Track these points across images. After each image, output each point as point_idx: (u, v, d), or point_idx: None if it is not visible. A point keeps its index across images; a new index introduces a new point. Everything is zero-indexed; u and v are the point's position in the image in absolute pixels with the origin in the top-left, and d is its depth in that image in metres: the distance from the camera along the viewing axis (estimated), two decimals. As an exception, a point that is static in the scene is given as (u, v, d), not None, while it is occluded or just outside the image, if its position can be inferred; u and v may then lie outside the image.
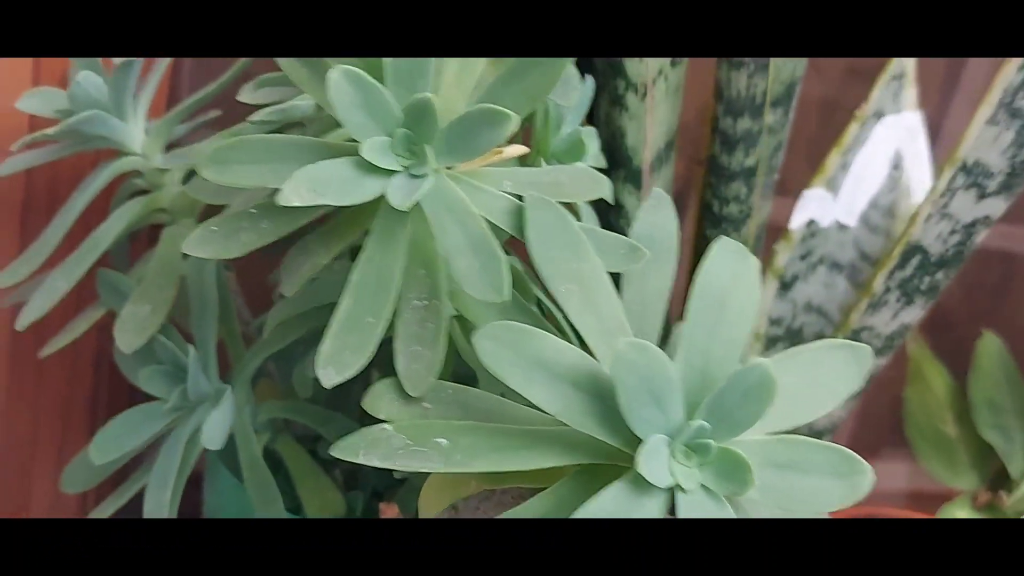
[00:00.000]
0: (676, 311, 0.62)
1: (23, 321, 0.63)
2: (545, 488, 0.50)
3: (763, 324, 0.77)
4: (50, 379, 0.80)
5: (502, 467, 0.47)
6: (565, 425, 0.47)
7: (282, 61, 0.51)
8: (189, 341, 0.63)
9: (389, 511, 0.67)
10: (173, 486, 0.59)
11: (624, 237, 0.53)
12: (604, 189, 0.55)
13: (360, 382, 0.65)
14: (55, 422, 0.82)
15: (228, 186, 0.52)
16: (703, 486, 0.46)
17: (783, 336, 0.78)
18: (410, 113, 0.49)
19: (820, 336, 0.79)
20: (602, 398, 0.47)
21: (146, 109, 0.68)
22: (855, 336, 0.72)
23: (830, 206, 0.78)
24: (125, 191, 0.71)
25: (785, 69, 0.72)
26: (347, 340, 0.49)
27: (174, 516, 0.59)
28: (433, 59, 0.50)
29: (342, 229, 0.53)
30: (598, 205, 0.64)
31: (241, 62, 0.68)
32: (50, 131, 0.62)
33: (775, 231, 0.79)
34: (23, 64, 0.71)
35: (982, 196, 0.68)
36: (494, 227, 0.50)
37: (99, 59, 0.67)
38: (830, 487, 0.47)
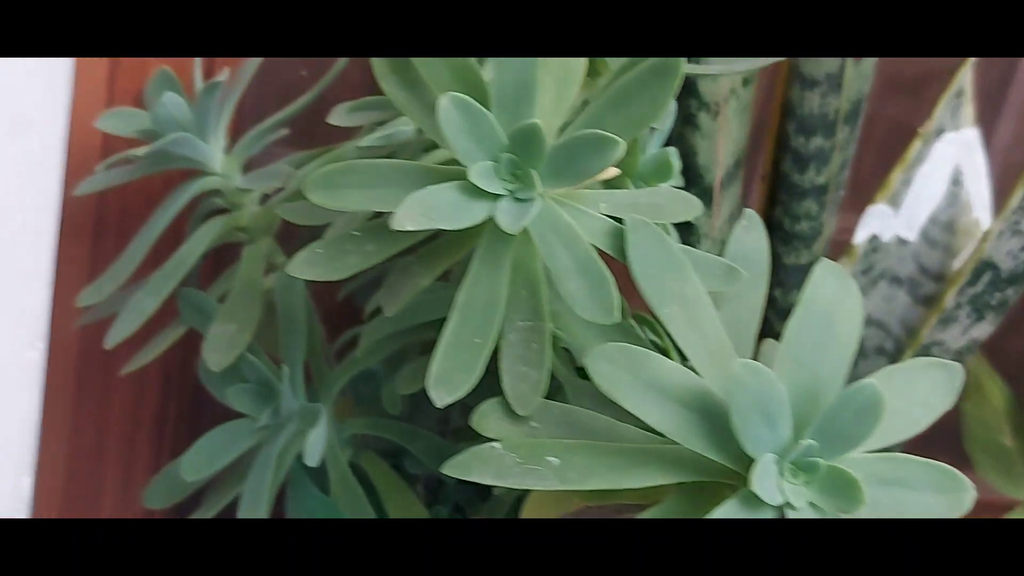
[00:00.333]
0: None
1: (112, 339, 0.64)
2: (644, 505, 0.51)
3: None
4: (117, 394, 0.80)
5: (615, 485, 0.48)
6: (672, 443, 0.48)
7: (385, 86, 0.52)
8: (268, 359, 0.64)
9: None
10: (268, 500, 0.60)
11: (722, 259, 0.53)
12: (697, 210, 0.55)
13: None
14: (122, 437, 0.82)
15: (333, 209, 0.53)
16: (812, 504, 0.47)
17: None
18: (516, 138, 0.50)
19: (880, 350, 0.79)
20: (711, 417, 0.48)
21: (225, 129, 0.69)
22: (925, 351, 0.73)
23: (891, 221, 0.78)
24: (202, 210, 0.71)
25: (853, 87, 0.72)
26: (456, 360, 0.50)
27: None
28: (538, 84, 0.50)
29: (443, 251, 0.53)
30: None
31: (316, 88, 0.69)
32: (140, 151, 0.63)
33: (833, 245, 0.80)
34: (98, 83, 0.72)
35: (1054, 214, 0.69)
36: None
37: (178, 80, 0.68)
38: (934, 503, 0.48)
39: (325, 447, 0.63)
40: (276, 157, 0.74)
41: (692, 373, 0.49)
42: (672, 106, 0.62)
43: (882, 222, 0.78)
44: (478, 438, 0.64)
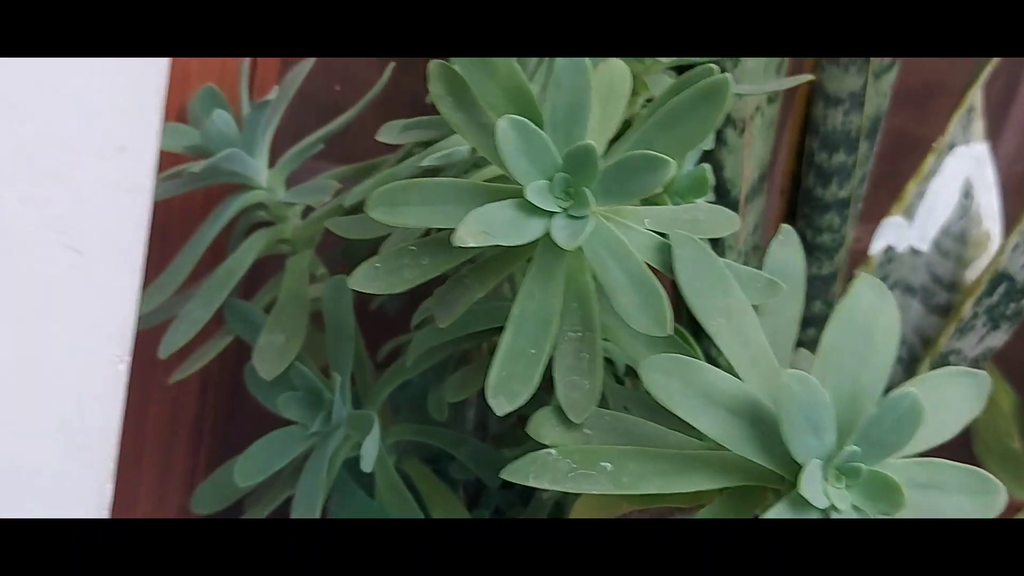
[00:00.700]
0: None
1: (167, 349, 0.66)
2: (688, 508, 0.53)
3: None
4: (155, 403, 0.82)
5: (667, 489, 0.50)
6: (719, 449, 0.51)
7: (441, 107, 0.54)
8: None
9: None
10: (321, 503, 0.62)
11: (762, 272, 0.56)
12: (735, 225, 0.57)
13: (473, 406, 0.68)
14: (159, 444, 0.84)
15: (391, 225, 0.55)
16: (855, 507, 0.49)
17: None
18: (570, 158, 0.52)
19: (895, 357, 0.82)
20: (758, 424, 0.50)
21: (269, 144, 0.71)
22: (943, 358, 0.75)
23: (905, 233, 0.81)
24: (243, 224, 0.74)
25: (872, 104, 0.75)
26: (513, 370, 0.52)
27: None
28: (590, 106, 0.53)
29: (496, 266, 0.55)
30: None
31: (359, 105, 0.71)
32: (196, 167, 0.65)
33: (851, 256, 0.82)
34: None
35: (1069, 227, 0.71)
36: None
37: (223, 96, 0.70)
38: (967, 505, 0.51)
39: (373, 453, 0.65)
40: (311, 171, 0.76)
41: (740, 382, 0.51)
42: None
43: (897, 233, 0.80)
44: (517, 444, 0.67)
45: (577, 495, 0.57)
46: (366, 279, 0.54)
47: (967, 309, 0.74)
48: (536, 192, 0.52)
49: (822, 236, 0.75)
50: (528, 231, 0.52)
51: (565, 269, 0.54)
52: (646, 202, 0.61)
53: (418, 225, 0.54)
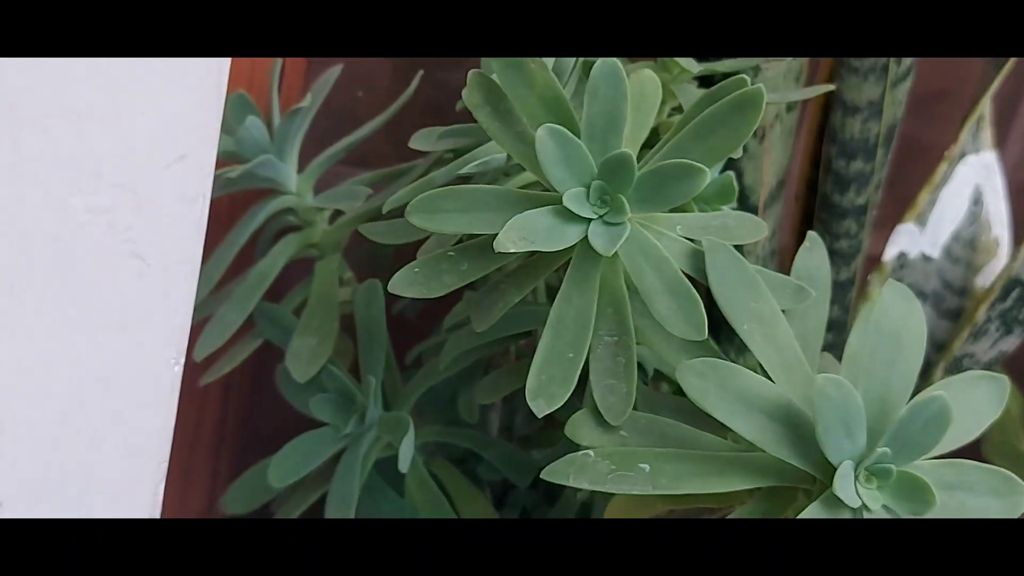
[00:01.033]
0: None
1: (202, 352, 0.67)
2: (722, 509, 0.55)
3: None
4: (182, 405, 0.82)
5: (704, 490, 0.51)
6: (754, 450, 0.52)
7: (479, 116, 0.55)
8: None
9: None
10: (355, 505, 0.63)
11: (791, 278, 0.57)
12: (764, 231, 0.59)
13: (497, 409, 0.69)
14: (183, 446, 0.85)
15: (430, 231, 0.56)
16: (885, 507, 0.50)
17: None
18: (607, 166, 0.53)
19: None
20: (793, 426, 0.51)
21: (298, 150, 0.72)
22: (957, 362, 0.77)
23: (918, 239, 0.82)
24: (272, 228, 0.75)
25: (889, 112, 0.76)
26: (552, 373, 0.53)
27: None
28: (626, 115, 0.54)
29: (532, 271, 0.56)
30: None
31: (388, 112, 0.73)
32: (233, 174, 0.66)
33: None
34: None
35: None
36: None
37: (254, 103, 0.71)
38: (993, 505, 0.52)
39: (403, 453, 0.66)
40: (334, 175, 0.77)
41: (774, 385, 0.52)
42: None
43: (909, 240, 0.82)
44: (544, 445, 0.68)
45: (607, 496, 0.58)
46: (406, 283, 0.55)
47: (981, 314, 0.75)
48: (573, 199, 0.53)
49: (840, 242, 0.76)
50: (566, 237, 0.53)
51: (601, 275, 0.55)
52: (675, 210, 0.62)
53: (457, 231, 0.55)
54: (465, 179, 0.60)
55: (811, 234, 0.60)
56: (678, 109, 0.67)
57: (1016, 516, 0.52)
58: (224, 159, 0.69)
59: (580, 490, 0.69)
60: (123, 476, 0.48)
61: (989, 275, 0.82)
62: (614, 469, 0.52)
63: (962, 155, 0.83)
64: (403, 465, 0.62)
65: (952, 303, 0.83)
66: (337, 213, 0.74)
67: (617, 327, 0.55)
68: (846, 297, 0.78)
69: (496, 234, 0.51)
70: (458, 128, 0.62)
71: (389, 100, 0.75)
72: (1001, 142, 0.97)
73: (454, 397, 0.70)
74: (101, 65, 0.42)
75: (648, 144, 0.58)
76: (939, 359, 0.78)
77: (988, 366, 0.77)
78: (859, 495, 0.50)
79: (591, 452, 0.53)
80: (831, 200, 0.75)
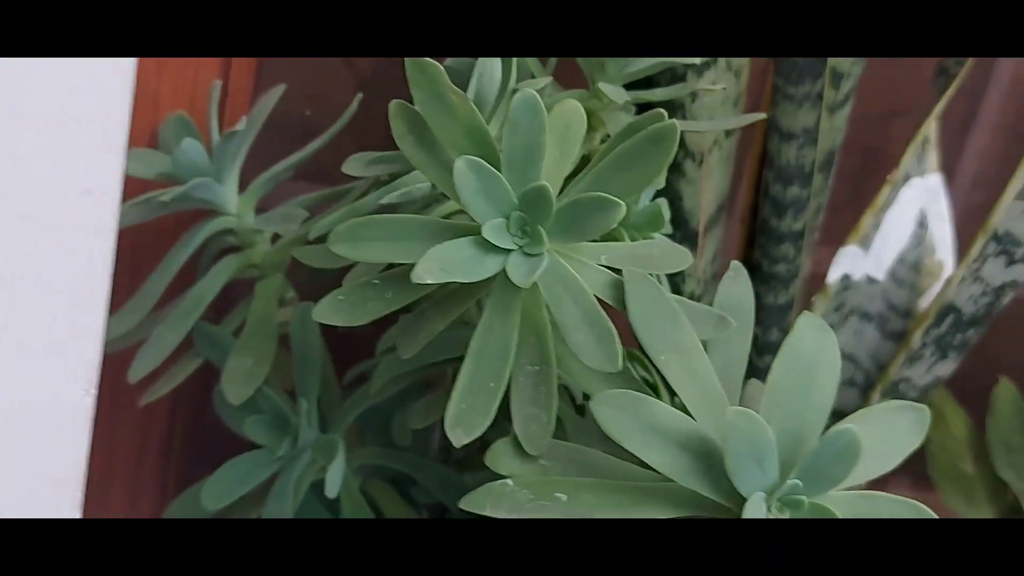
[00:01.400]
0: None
1: (135, 374, 0.67)
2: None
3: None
4: (126, 423, 0.84)
5: (621, 517, 0.52)
6: (670, 481, 0.53)
7: (403, 146, 0.56)
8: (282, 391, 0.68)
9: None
10: (285, 528, 0.63)
11: (712, 308, 0.58)
12: (687, 261, 0.59)
13: (438, 430, 0.70)
14: (129, 463, 0.85)
15: (354, 259, 0.57)
16: (797, 537, 0.51)
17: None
18: (526, 198, 0.53)
19: (851, 382, 0.84)
20: (705, 458, 0.52)
21: (239, 171, 0.73)
22: (894, 387, 0.78)
23: (862, 262, 0.83)
24: (212, 248, 0.75)
25: (827, 139, 0.77)
26: (473, 402, 0.54)
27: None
28: (545, 148, 0.54)
29: (457, 299, 0.57)
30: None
31: (326, 135, 0.73)
32: (165, 197, 0.67)
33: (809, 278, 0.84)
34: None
35: (1011, 262, 0.73)
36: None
37: (193, 124, 0.71)
38: (905, 536, 0.52)
39: (337, 475, 0.67)
40: (288, 192, 0.78)
41: (688, 417, 0.53)
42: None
43: (853, 262, 0.82)
44: (480, 468, 0.68)
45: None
46: (331, 311, 0.56)
47: (916, 339, 0.76)
48: (492, 230, 0.53)
49: (778, 266, 0.77)
50: (484, 268, 0.53)
51: (522, 304, 0.55)
52: (606, 237, 0.62)
53: (380, 260, 0.56)
54: (394, 206, 0.61)
55: (734, 264, 0.60)
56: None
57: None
58: (161, 181, 0.69)
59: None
60: (38, 506, 0.49)
61: (932, 298, 0.82)
62: (532, 498, 0.53)
63: (906, 178, 0.83)
64: (330, 490, 0.62)
65: (897, 325, 0.84)
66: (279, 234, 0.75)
67: (539, 357, 0.56)
68: (785, 320, 0.78)
69: (415, 264, 0.52)
70: (388, 155, 0.63)
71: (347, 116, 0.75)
72: (953, 162, 0.98)
73: (393, 418, 0.71)
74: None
75: (576, 173, 0.59)
76: (876, 381, 0.79)
77: (925, 390, 0.78)
78: (771, 526, 0.50)
79: (510, 481, 0.54)
80: (769, 224, 0.76)
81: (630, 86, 0.67)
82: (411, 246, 0.54)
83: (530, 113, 0.53)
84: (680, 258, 0.59)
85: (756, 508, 0.50)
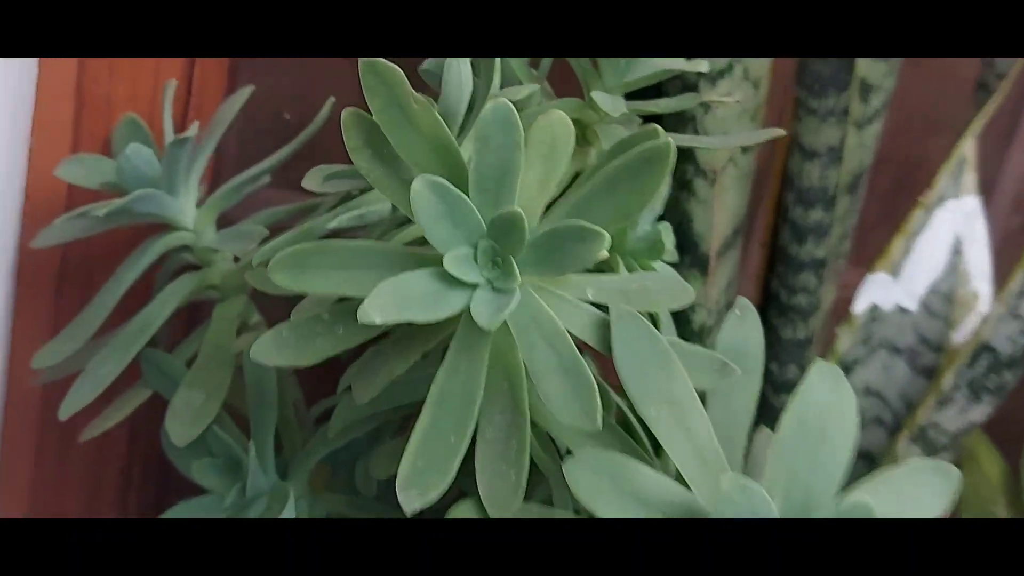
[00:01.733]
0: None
1: (67, 410, 0.60)
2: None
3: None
4: (78, 455, 0.77)
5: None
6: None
7: (358, 161, 0.49)
8: (241, 425, 0.61)
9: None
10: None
11: (714, 353, 0.51)
12: (690, 296, 0.52)
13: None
14: (82, 501, 0.79)
15: (297, 291, 0.50)
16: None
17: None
18: (496, 225, 0.46)
19: (878, 420, 0.77)
20: (697, 532, 0.45)
21: (197, 181, 0.66)
22: (922, 432, 0.70)
23: (892, 290, 0.76)
24: (170, 266, 0.68)
25: (854, 158, 0.70)
26: (429, 459, 0.47)
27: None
28: (521, 167, 0.47)
29: (420, 336, 0.50)
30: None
31: (299, 139, 0.66)
32: (101, 212, 0.60)
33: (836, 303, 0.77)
34: (62, 125, 0.69)
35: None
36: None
37: (146, 127, 0.65)
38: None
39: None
40: (261, 202, 0.71)
41: (677, 485, 0.46)
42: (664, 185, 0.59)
43: (882, 291, 0.75)
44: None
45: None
46: (272, 349, 0.49)
47: (948, 380, 0.69)
48: (456, 261, 0.46)
49: (797, 297, 0.70)
50: (445, 306, 0.46)
51: (492, 345, 0.48)
52: (598, 267, 0.55)
53: (326, 293, 0.49)
54: (348, 230, 0.54)
55: (741, 300, 0.53)
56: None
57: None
58: (107, 191, 0.62)
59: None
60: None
61: (966, 331, 0.75)
62: None
63: (941, 199, 0.76)
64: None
65: (928, 359, 0.77)
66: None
67: (510, 405, 0.49)
68: (804, 356, 0.71)
69: (369, 297, 0.45)
70: (347, 170, 0.56)
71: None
72: (991, 185, 0.91)
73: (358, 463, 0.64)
74: None
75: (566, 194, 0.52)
76: (905, 421, 0.72)
77: (955, 437, 0.71)
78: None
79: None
80: (788, 251, 0.69)
81: (633, 96, 0.59)
82: (364, 277, 0.48)
83: (503, 127, 0.46)
84: (681, 293, 0.52)
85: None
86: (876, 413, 0.77)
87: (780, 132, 0.62)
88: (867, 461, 0.75)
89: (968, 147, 0.76)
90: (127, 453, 0.79)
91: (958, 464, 0.82)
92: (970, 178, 0.76)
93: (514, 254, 0.46)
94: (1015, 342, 0.68)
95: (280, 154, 0.66)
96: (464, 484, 0.49)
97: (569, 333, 0.47)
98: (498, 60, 0.54)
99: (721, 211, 0.68)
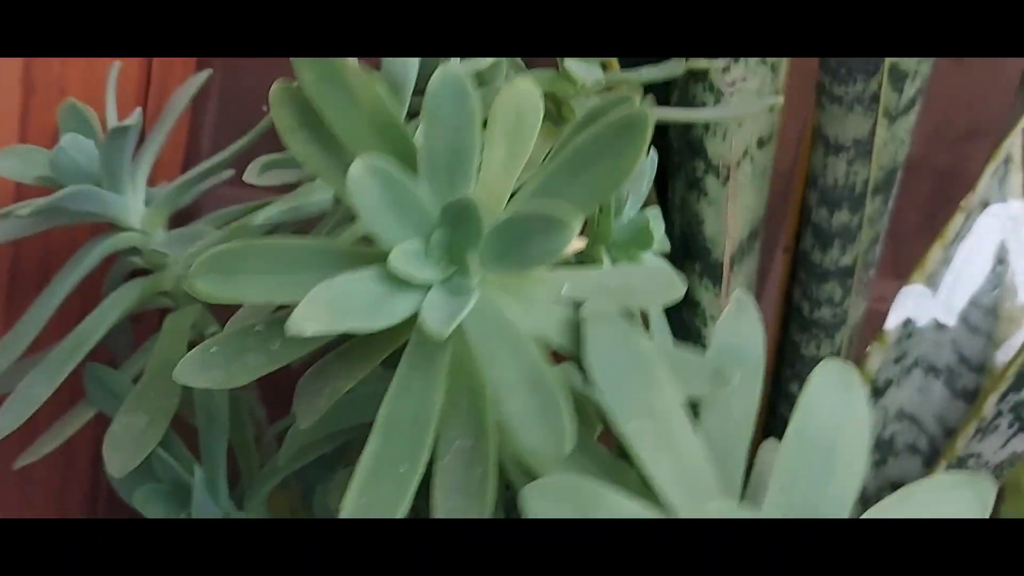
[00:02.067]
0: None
1: (-3, 432, 0.55)
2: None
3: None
4: (40, 473, 0.73)
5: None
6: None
7: (292, 144, 0.44)
8: (192, 445, 0.57)
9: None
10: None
11: (705, 360, 0.46)
12: (679, 291, 0.46)
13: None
14: (48, 512, 0.75)
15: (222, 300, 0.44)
16: None
17: (872, 447, 0.70)
18: (448, 214, 0.41)
19: (913, 448, 0.71)
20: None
21: (146, 176, 0.60)
22: (961, 464, 0.64)
23: (928, 304, 0.69)
24: (119, 270, 0.63)
25: (886, 152, 0.64)
26: (377, 494, 0.41)
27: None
28: (477, 146, 0.41)
29: (368, 348, 0.45)
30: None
31: (260, 124, 0.60)
32: (24, 212, 0.55)
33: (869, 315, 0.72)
34: (8, 116, 0.64)
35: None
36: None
37: (95, 117, 0.59)
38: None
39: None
40: (224, 200, 0.66)
41: (657, 513, 0.40)
42: (652, 157, 0.53)
43: (918, 304, 0.69)
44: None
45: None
46: (197, 368, 0.44)
47: (989, 407, 0.63)
48: (405, 258, 0.41)
49: (821, 310, 0.65)
50: (391, 312, 0.41)
51: (451, 355, 0.43)
52: (580, 259, 0.51)
53: (255, 301, 0.43)
54: (280, 226, 0.48)
55: (737, 294, 0.47)
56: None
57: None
58: (44, 185, 0.57)
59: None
60: None
61: (1011, 350, 0.69)
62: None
63: (984, 203, 0.70)
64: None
65: (969, 381, 0.71)
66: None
67: (472, 428, 0.43)
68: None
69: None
70: (284, 158, 0.50)
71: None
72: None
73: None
74: None
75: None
76: (942, 449, 0.66)
77: (999, 469, 0.64)
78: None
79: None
80: (811, 258, 0.64)
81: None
82: (300, 281, 0.42)
83: (454, 98, 0.41)
84: (669, 287, 0.46)
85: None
86: (911, 440, 0.71)
87: (778, 99, 0.57)
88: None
89: (1015, 146, 0.70)
90: (93, 469, 0.76)
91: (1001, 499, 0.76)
92: (1017, 179, 0.71)
93: (470, 247, 0.41)
94: (1066, 362, 0.62)
95: (236, 146, 0.60)
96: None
97: (540, 340, 0.42)
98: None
99: (736, 213, 0.63)
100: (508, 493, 0.56)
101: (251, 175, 0.51)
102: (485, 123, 0.43)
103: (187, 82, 0.62)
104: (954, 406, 0.70)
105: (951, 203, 0.72)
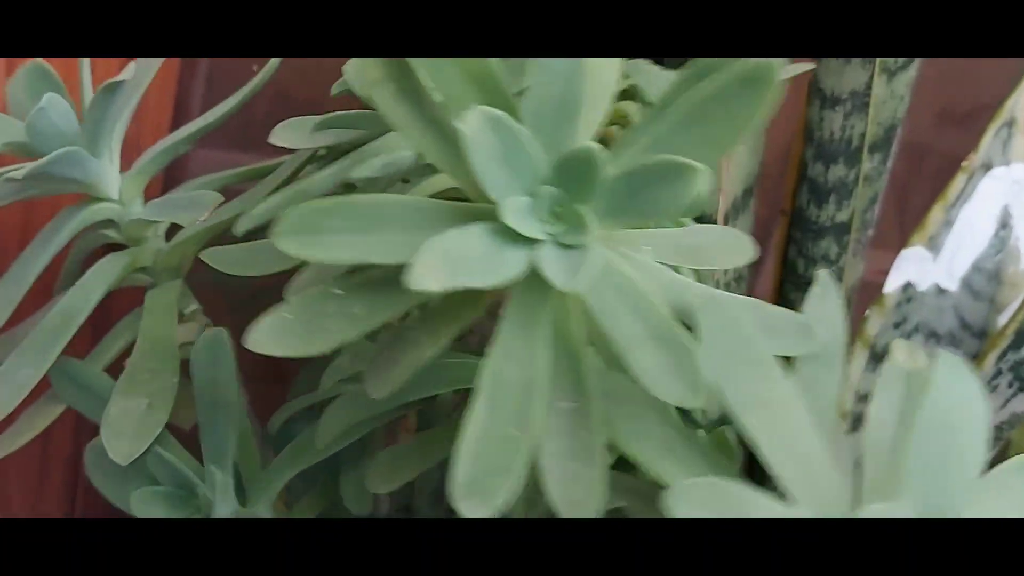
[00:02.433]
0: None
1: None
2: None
3: (849, 399, 0.74)
4: (14, 467, 0.76)
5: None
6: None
7: (378, 98, 0.46)
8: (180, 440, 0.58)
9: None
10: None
11: (792, 313, 0.49)
12: (750, 253, 0.51)
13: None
14: (25, 488, 0.78)
15: (310, 260, 0.46)
16: None
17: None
18: (563, 167, 0.44)
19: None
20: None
21: (120, 142, 0.62)
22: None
23: (929, 267, 0.75)
24: (84, 244, 0.65)
25: (885, 109, 0.69)
26: (489, 460, 0.43)
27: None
28: (586, 97, 0.45)
29: (454, 311, 0.47)
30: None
31: (238, 96, 0.63)
32: (18, 173, 0.56)
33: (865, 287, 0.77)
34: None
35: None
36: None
37: (57, 77, 0.61)
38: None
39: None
40: (195, 170, 0.68)
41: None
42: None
43: (918, 268, 0.75)
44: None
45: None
46: (274, 337, 0.46)
47: (988, 365, 0.68)
48: (515, 212, 0.43)
49: (815, 268, 0.69)
50: (507, 267, 0.43)
51: (554, 316, 0.45)
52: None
53: (351, 261, 0.45)
54: (350, 188, 0.50)
55: (821, 275, 0.51)
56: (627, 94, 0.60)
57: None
58: (16, 153, 0.58)
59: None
60: None
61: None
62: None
63: (986, 165, 0.75)
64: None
65: (971, 347, 0.76)
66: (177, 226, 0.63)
67: (573, 389, 0.46)
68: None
69: (402, 264, 0.42)
70: (340, 116, 0.53)
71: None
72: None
73: (338, 472, 0.60)
74: None
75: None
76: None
77: (999, 430, 0.70)
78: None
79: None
80: (806, 214, 0.68)
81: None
82: (396, 240, 0.44)
83: None
84: (739, 248, 0.51)
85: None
86: (910, 406, 0.77)
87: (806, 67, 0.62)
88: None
89: (1018, 107, 0.76)
90: (73, 444, 0.78)
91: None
92: (1020, 143, 0.76)
93: (584, 202, 0.44)
94: (1069, 321, 0.67)
95: (225, 107, 0.62)
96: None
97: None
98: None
99: (729, 168, 0.66)
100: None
101: (288, 137, 0.53)
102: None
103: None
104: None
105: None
